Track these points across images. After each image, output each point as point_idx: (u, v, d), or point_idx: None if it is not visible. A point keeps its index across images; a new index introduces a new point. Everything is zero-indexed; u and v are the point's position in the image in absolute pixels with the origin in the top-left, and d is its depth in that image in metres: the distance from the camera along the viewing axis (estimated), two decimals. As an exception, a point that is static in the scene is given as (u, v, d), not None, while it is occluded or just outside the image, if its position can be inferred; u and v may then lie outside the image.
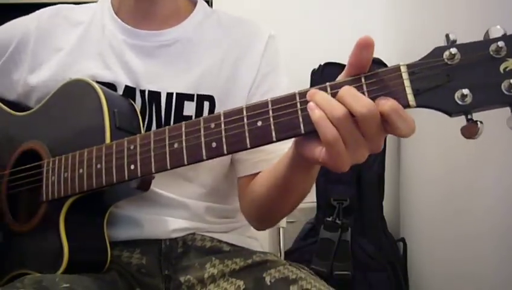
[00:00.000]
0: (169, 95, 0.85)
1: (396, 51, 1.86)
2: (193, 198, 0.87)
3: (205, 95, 0.86)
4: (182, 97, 0.86)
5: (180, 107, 0.85)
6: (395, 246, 1.76)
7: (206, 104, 0.86)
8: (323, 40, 1.97)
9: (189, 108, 0.85)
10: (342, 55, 2.07)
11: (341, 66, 2.16)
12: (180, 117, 0.85)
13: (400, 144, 1.88)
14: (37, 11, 0.94)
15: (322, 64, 1.83)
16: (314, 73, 1.85)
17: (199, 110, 0.86)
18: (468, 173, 1.24)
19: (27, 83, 0.90)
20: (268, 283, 0.75)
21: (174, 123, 0.83)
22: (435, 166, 1.50)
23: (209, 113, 0.86)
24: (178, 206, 0.85)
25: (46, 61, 0.89)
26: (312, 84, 1.83)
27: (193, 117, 0.85)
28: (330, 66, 1.79)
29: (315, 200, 1.77)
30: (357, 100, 0.54)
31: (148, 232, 0.83)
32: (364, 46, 0.57)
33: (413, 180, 1.77)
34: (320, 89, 0.58)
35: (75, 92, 0.83)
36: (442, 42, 0.55)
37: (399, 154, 1.90)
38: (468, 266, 1.23)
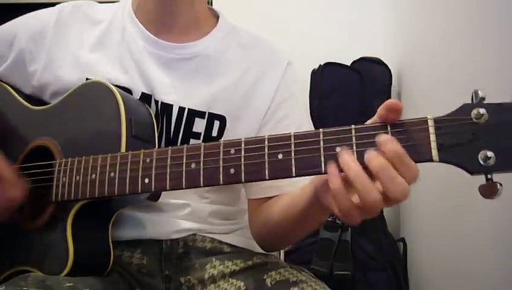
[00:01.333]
0: (181, 110, 0.85)
1: (397, 51, 1.86)
2: (193, 198, 0.86)
3: (217, 114, 0.86)
4: (194, 114, 0.85)
5: (190, 123, 0.85)
6: (395, 246, 1.76)
7: (217, 123, 0.86)
8: (323, 40, 1.97)
9: (199, 125, 0.85)
10: (342, 55, 2.08)
11: (341, 66, 2.17)
12: (189, 132, 0.85)
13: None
14: (57, 6, 0.93)
15: (322, 64, 1.83)
16: (314, 73, 1.85)
17: (209, 129, 0.86)
18: (468, 174, 1.24)
19: (42, 76, 0.89)
20: (269, 285, 0.75)
21: (182, 138, 0.84)
22: (435, 166, 1.50)
23: (218, 133, 0.86)
24: (178, 206, 0.85)
25: (63, 57, 0.88)
26: (312, 84, 1.83)
27: (202, 134, 0.85)
28: (330, 66, 1.79)
29: (315, 200, 1.77)
30: (395, 183, 0.54)
31: (149, 232, 0.83)
32: (393, 110, 0.56)
33: (413, 180, 1.77)
34: (345, 131, 0.58)
35: (94, 95, 0.82)
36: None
37: (399, 154, 1.90)
38: (468, 265, 1.23)
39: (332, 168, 0.56)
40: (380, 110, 0.57)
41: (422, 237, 1.64)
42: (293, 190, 0.79)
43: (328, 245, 1.62)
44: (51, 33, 0.90)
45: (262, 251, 0.89)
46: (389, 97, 1.74)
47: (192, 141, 0.85)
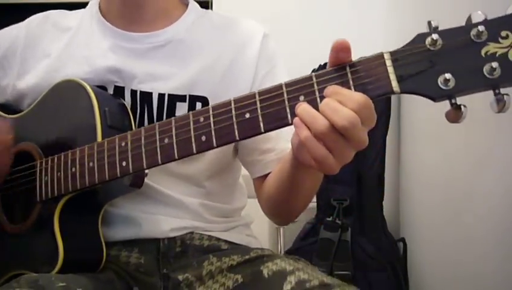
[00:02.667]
0: (161, 96, 0.85)
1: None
2: (189, 196, 0.87)
3: (198, 96, 0.86)
4: (174, 98, 0.86)
5: (172, 108, 0.85)
6: (395, 246, 1.76)
7: (199, 105, 0.86)
8: (323, 40, 1.96)
9: (182, 109, 0.85)
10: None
11: (341, 66, 2.10)
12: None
13: (400, 144, 1.89)
14: (26, 20, 0.95)
15: (322, 64, 1.83)
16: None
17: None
18: (468, 173, 1.24)
19: (16, 88, 0.91)
20: (266, 276, 0.76)
21: None
22: (435, 166, 1.50)
23: None
24: (175, 204, 0.85)
25: (34, 67, 0.90)
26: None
27: None
28: (330, 66, 1.79)
29: (315, 200, 1.77)
30: (337, 113, 0.55)
31: (146, 231, 0.83)
32: (340, 49, 0.58)
33: (413, 180, 1.77)
34: (306, 79, 0.59)
35: (66, 92, 0.83)
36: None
37: (399, 154, 1.90)
38: (468, 265, 1.23)
39: (297, 120, 0.58)
40: (330, 55, 0.59)
41: (422, 237, 1.64)
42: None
43: (328, 245, 1.62)
44: (22, 46, 0.92)
45: (259, 247, 0.89)
46: (389, 97, 1.74)
47: None
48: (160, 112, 0.85)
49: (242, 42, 0.90)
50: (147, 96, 0.85)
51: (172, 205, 0.85)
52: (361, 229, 1.69)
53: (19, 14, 0.96)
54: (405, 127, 1.86)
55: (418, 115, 1.67)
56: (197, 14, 0.94)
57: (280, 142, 0.86)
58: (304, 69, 2.02)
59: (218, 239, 0.88)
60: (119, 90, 0.86)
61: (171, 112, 0.85)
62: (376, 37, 1.97)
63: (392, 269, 1.64)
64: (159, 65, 0.87)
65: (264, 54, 0.90)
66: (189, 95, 0.86)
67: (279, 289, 0.72)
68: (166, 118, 0.84)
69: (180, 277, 0.81)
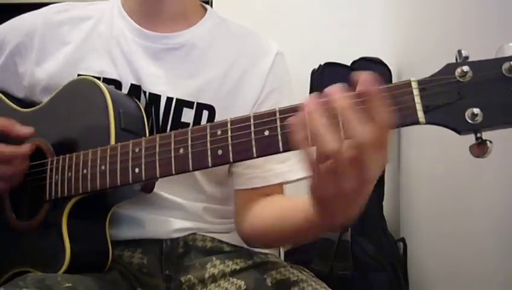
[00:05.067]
0: (169, 100, 0.85)
1: (396, 51, 1.86)
2: (191, 200, 0.86)
3: (205, 104, 0.86)
4: (182, 103, 0.85)
5: (178, 113, 0.85)
6: (395, 246, 1.76)
7: (205, 113, 0.85)
8: (323, 40, 1.97)
9: (188, 115, 0.85)
10: (342, 55, 2.07)
11: (341, 66, 2.17)
12: (177, 123, 0.85)
13: (400, 144, 1.88)
14: (44, 8, 0.94)
15: (322, 64, 1.83)
16: (314, 73, 1.85)
17: (197, 119, 0.85)
18: (468, 174, 1.24)
19: (33, 75, 0.89)
20: (269, 284, 0.75)
21: (171, 129, 0.84)
22: (435, 166, 1.50)
23: (207, 123, 0.85)
24: (176, 208, 0.85)
25: (53, 54, 0.89)
26: (312, 84, 1.83)
27: (191, 125, 0.85)
28: (330, 66, 1.79)
29: (315, 200, 1.77)
30: (359, 125, 0.51)
31: (149, 232, 0.83)
32: (363, 82, 0.54)
33: (413, 180, 1.77)
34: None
35: (81, 91, 0.82)
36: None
37: (399, 154, 1.90)
38: (468, 265, 1.23)
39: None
40: (359, 87, 0.55)
41: (422, 237, 1.64)
42: (278, 181, 0.79)
43: (328, 245, 1.62)
44: (40, 32, 0.90)
45: (262, 250, 0.89)
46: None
47: None
48: (166, 116, 0.85)
49: (256, 55, 0.90)
50: (155, 98, 0.85)
51: (173, 206, 0.85)
52: (361, 229, 1.69)
53: (19, 14, 0.96)
54: (405, 127, 1.85)
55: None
56: (215, 20, 0.93)
57: (269, 161, 0.84)
58: (304, 69, 2.03)
59: (221, 241, 0.88)
60: (135, 89, 0.85)
61: (178, 117, 0.85)
62: (376, 37, 1.97)
63: (392, 269, 1.64)
64: (170, 68, 0.87)
65: (273, 71, 0.89)
66: (197, 103, 0.85)
67: None
68: (172, 123, 0.85)
69: (183, 279, 0.81)
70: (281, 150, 0.58)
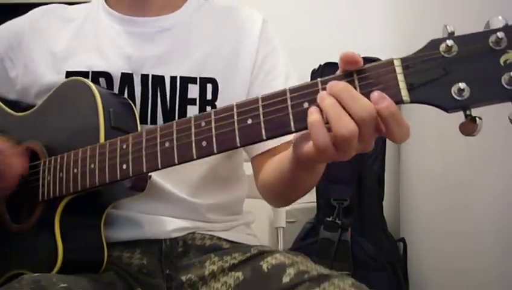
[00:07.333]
0: (173, 79, 0.87)
1: (395, 51, 1.85)
2: (193, 196, 0.86)
3: (208, 78, 0.88)
4: (186, 80, 0.87)
5: (184, 90, 0.87)
6: (395, 246, 1.76)
7: (209, 86, 0.87)
8: (323, 40, 1.97)
9: (193, 91, 0.87)
10: (342, 55, 2.04)
11: (341, 66, 2.10)
12: (184, 100, 0.86)
13: (400, 145, 1.89)
14: (28, 12, 0.96)
15: (322, 64, 1.84)
16: (314, 73, 1.85)
17: (203, 93, 0.87)
18: (468, 174, 1.24)
19: (24, 79, 0.91)
20: (266, 270, 0.77)
21: (179, 106, 0.86)
22: (435, 166, 1.50)
23: (212, 95, 0.87)
24: (179, 206, 0.85)
25: (41, 56, 0.90)
26: (312, 84, 1.84)
27: (197, 99, 0.87)
28: (330, 66, 1.80)
29: (315, 200, 1.77)
30: (355, 101, 0.52)
31: (148, 232, 0.83)
32: (347, 62, 0.55)
33: (413, 180, 1.77)
34: (311, 85, 0.56)
35: (73, 93, 0.83)
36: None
37: (399, 154, 1.90)
38: (468, 265, 1.23)
39: (312, 107, 0.55)
40: (340, 64, 0.55)
41: (422, 237, 1.65)
42: (288, 138, 0.80)
43: (328, 245, 1.62)
44: (27, 37, 0.92)
45: (259, 244, 0.90)
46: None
47: (189, 108, 0.86)
48: (173, 95, 0.86)
49: (243, 28, 0.93)
50: (159, 79, 0.87)
51: (172, 205, 0.85)
52: (361, 229, 1.69)
53: (19, 14, 0.96)
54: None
55: (419, 115, 1.67)
56: (198, 2, 0.96)
57: None
58: (304, 69, 2.03)
59: (220, 238, 0.88)
60: (126, 77, 0.87)
61: (184, 94, 0.86)
62: (375, 37, 1.97)
63: (392, 269, 1.64)
64: (167, 48, 0.89)
65: (263, 38, 0.93)
66: (200, 78, 0.87)
67: (278, 281, 0.73)
68: (179, 100, 0.86)
69: (183, 278, 0.81)
70: (264, 137, 0.58)
